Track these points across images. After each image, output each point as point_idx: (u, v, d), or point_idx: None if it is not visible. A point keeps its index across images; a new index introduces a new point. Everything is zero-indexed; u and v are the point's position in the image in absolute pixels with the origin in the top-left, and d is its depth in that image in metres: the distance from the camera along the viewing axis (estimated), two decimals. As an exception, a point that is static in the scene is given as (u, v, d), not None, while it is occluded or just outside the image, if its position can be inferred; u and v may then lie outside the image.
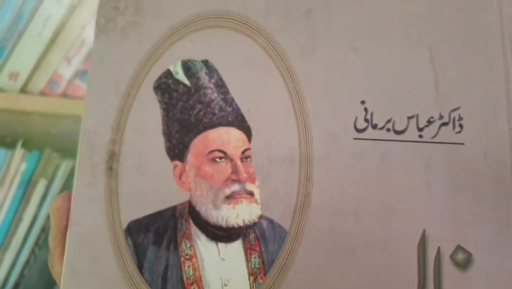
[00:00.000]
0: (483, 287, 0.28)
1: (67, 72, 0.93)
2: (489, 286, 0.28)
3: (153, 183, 0.33)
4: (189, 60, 0.34)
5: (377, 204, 0.30)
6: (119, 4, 0.36)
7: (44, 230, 0.90)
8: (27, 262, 0.90)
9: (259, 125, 0.32)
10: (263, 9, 0.34)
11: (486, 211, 0.28)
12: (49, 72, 0.93)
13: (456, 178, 0.29)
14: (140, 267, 0.33)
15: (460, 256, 0.28)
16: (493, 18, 0.31)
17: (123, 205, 0.33)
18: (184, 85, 0.34)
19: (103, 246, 0.33)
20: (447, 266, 0.28)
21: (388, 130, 0.30)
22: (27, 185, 0.91)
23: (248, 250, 0.32)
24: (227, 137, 0.33)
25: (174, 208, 0.33)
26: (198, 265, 0.32)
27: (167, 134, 0.34)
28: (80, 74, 0.93)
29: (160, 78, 0.35)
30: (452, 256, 0.28)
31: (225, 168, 0.32)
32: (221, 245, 0.32)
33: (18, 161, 0.92)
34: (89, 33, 0.92)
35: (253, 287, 0.31)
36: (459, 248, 0.28)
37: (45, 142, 0.94)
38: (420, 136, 0.30)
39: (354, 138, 0.31)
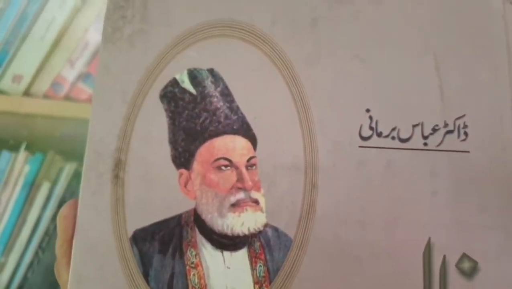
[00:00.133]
0: (489, 295, 0.28)
1: (70, 75, 0.93)
2: (495, 294, 0.28)
3: (159, 191, 0.33)
4: (195, 69, 0.35)
5: (382, 213, 0.30)
6: (126, 13, 0.36)
7: (48, 233, 0.90)
8: (30, 265, 0.90)
9: (264, 133, 0.33)
10: (269, 18, 0.34)
11: (492, 219, 0.28)
12: (53, 75, 0.93)
13: (461, 186, 0.29)
14: (146, 275, 0.33)
15: (466, 265, 0.28)
16: (499, 27, 0.31)
17: (129, 213, 0.34)
18: (190, 93, 0.34)
19: (109, 254, 0.33)
20: (453, 275, 0.28)
21: (393, 138, 0.31)
22: (31, 187, 0.91)
23: (253, 259, 0.32)
24: (233, 145, 0.33)
25: (179, 216, 0.33)
26: (204, 273, 0.32)
27: (173, 142, 0.34)
28: (83, 77, 0.93)
29: (166, 86, 0.35)
30: (457, 265, 0.28)
31: (230, 176, 0.33)
32: (226, 253, 0.32)
33: (22, 164, 0.92)
34: (92, 36, 0.92)
35: None
36: (465, 256, 0.28)
37: (48, 144, 0.94)
38: (425, 144, 0.30)
39: (359, 146, 0.31)
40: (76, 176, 0.92)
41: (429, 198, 0.29)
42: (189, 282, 0.32)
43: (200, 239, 0.33)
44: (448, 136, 0.30)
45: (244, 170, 0.32)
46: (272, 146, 0.32)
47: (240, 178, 0.32)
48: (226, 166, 0.33)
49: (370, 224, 0.30)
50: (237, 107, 0.33)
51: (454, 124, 0.30)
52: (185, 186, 0.33)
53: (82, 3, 0.91)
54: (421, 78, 0.31)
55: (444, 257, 0.29)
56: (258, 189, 0.32)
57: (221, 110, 0.33)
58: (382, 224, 0.30)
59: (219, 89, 0.34)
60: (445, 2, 0.31)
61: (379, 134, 0.31)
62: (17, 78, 0.93)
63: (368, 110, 0.31)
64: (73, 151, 0.93)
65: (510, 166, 0.29)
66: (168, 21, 0.36)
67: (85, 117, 0.91)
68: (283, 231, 0.31)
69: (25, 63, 0.92)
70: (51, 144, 0.94)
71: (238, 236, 0.32)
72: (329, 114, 0.32)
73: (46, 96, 0.93)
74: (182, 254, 0.33)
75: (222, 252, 0.33)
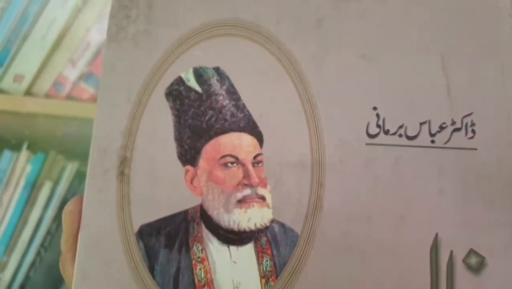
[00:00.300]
0: (496, 291, 0.28)
1: (72, 74, 0.93)
2: (503, 290, 0.28)
3: (165, 187, 0.33)
4: (200, 67, 0.35)
5: (389, 209, 0.30)
6: (130, 13, 0.36)
7: (50, 232, 0.90)
8: (32, 264, 0.90)
9: (270, 130, 0.33)
10: (275, 17, 0.34)
11: (500, 216, 0.29)
12: (54, 75, 0.93)
13: (468, 183, 0.29)
14: (151, 270, 0.33)
15: (473, 260, 0.28)
16: (505, 26, 0.31)
17: (135, 209, 0.34)
18: (196, 91, 0.34)
19: (115, 250, 0.33)
20: (460, 270, 0.28)
21: (400, 135, 0.31)
22: (32, 187, 0.91)
23: (259, 253, 0.32)
24: (239, 143, 0.33)
25: (185, 212, 0.33)
26: (210, 268, 0.32)
27: (179, 139, 0.34)
28: (85, 76, 0.93)
29: (171, 84, 0.35)
30: (465, 260, 0.28)
31: (236, 172, 0.33)
32: (232, 248, 0.33)
33: (23, 163, 0.92)
34: (94, 36, 0.92)
35: None
36: (472, 252, 0.28)
37: (50, 144, 0.94)
38: (432, 141, 0.30)
39: (366, 144, 0.31)
40: (78, 176, 0.92)
41: (437, 195, 0.30)
42: (195, 276, 0.32)
43: (206, 234, 0.33)
44: (455, 133, 0.30)
45: (250, 167, 0.32)
46: (278, 143, 0.32)
47: (247, 175, 0.32)
48: (232, 163, 0.33)
49: (377, 220, 0.30)
50: (243, 105, 0.33)
51: (462, 121, 0.30)
52: (191, 182, 0.33)
53: (83, 3, 0.91)
54: (428, 76, 0.31)
55: (451, 252, 0.29)
56: (264, 185, 0.32)
57: (227, 108, 0.34)
58: (389, 220, 0.30)
59: (224, 87, 0.34)
60: (452, 1, 0.32)
61: (386, 132, 0.31)
62: (18, 78, 0.93)
63: (375, 108, 0.31)
64: (75, 151, 0.93)
65: None
66: (173, 22, 0.36)
67: (86, 117, 0.92)
68: (290, 226, 0.31)
69: (26, 62, 0.92)
70: (52, 144, 0.94)
71: (244, 232, 0.32)
72: (335, 112, 0.32)
73: (47, 96, 0.93)
74: (188, 249, 0.33)
75: (228, 247, 0.33)
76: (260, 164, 0.32)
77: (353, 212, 0.30)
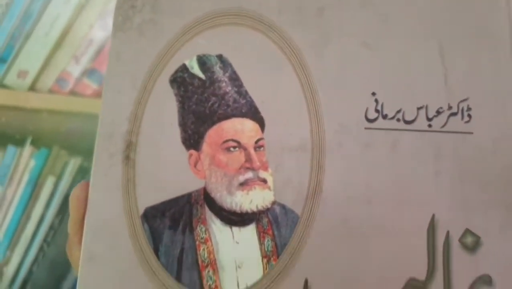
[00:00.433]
0: (491, 269, 0.29)
1: (75, 70, 0.94)
2: (497, 268, 0.29)
3: (169, 171, 0.34)
4: (204, 55, 0.36)
5: (387, 191, 0.31)
6: (136, 3, 0.37)
7: (53, 227, 0.91)
8: (35, 259, 0.91)
9: (272, 116, 0.33)
10: (276, 7, 0.35)
11: (495, 197, 0.29)
12: (58, 71, 0.94)
13: (464, 165, 0.30)
14: (156, 251, 0.34)
15: (469, 240, 0.29)
16: (502, 15, 0.31)
17: (140, 192, 0.34)
18: (199, 78, 0.35)
19: (120, 232, 0.34)
20: (456, 250, 0.29)
21: (398, 120, 0.31)
22: (36, 182, 0.92)
23: (261, 234, 0.33)
24: (241, 128, 0.34)
25: (189, 195, 0.34)
26: (213, 248, 0.33)
27: (183, 125, 0.35)
28: (88, 72, 0.94)
29: (176, 72, 0.36)
30: (461, 240, 0.29)
31: (239, 156, 0.34)
32: (235, 229, 0.33)
33: (27, 159, 0.93)
34: (97, 32, 0.93)
35: (266, 269, 0.32)
36: (467, 231, 0.29)
37: (53, 139, 0.94)
38: (430, 125, 0.31)
39: (365, 128, 0.32)
40: (81, 171, 0.93)
41: (433, 177, 0.30)
42: (198, 256, 0.33)
43: (209, 215, 0.34)
44: (452, 118, 0.31)
45: (252, 151, 0.33)
46: (279, 128, 0.33)
47: (249, 159, 0.33)
48: (234, 147, 0.34)
49: (375, 202, 0.31)
50: (246, 92, 0.34)
51: (458, 106, 0.31)
52: (195, 166, 0.34)
53: (86, 0, 0.92)
54: (426, 63, 0.32)
55: (448, 232, 0.29)
56: (265, 169, 0.33)
57: (229, 94, 0.34)
58: (388, 202, 0.31)
59: (227, 74, 0.35)
60: (450, -10, 0.32)
61: (385, 116, 0.32)
62: (22, 74, 0.93)
63: (374, 94, 0.32)
64: (78, 146, 0.94)
65: (510, 145, 0.30)
66: (178, 11, 0.36)
67: (90, 112, 0.92)
68: (290, 208, 0.32)
69: (30, 59, 0.93)
70: (56, 139, 0.94)
71: (246, 213, 0.33)
72: (335, 98, 0.33)
73: (51, 92, 0.94)
74: (192, 230, 0.34)
75: (231, 228, 0.33)
76: (262, 148, 0.33)
77: (352, 194, 0.31)
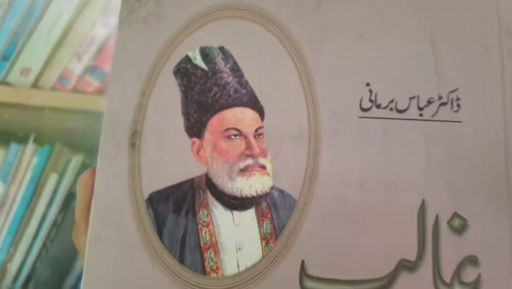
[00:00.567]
0: (477, 250, 0.30)
1: (77, 68, 0.94)
2: (482, 249, 0.30)
3: (173, 158, 0.36)
4: (206, 47, 0.37)
5: (380, 176, 0.32)
6: None
7: (56, 223, 0.91)
8: (39, 256, 0.91)
9: (271, 105, 0.35)
10: (275, 1, 0.36)
11: (480, 181, 0.31)
12: (60, 68, 0.94)
13: (453, 152, 0.31)
14: (160, 234, 0.35)
15: (457, 222, 0.30)
16: (491, 8, 0.33)
17: (145, 178, 0.36)
18: (202, 69, 0.37)
19: (126, 216, 0.36)
20: (445, 232, 0.31)
21: (391, 109, 0.33)
22: (39, 179, 0.92)
23: (260, 217, 0.34)
24: (242, 116, 0.35)
25: (192, 180, 0.35)
26: (214, 231, 0.35)
27: (186, 114, 0.36)
28: (90, 70, 0.94)
29: (179, 63, 0.37)
30: (449, 223, 0.31)
31: (239, 144, 0.35)
32: (235, 212, 0.35)
33: (30, 156, 0.93)
34: (99, 30, 0.93)
35: (265, 250, 0.33)
36: (455, 215, 0.31)
37: (56, 137, 0.95)
38: (421, 114, 0.32)
39: (360, 117, 0.33)
40: (83, 168, 0.93)
41: (424, 163, 0.32)
42: (200, 239, 0.35)
43: (211, 200, 0.35)
44: (442, 107, 0.32)
45: (252, 139, 0.35)
46: (278, 117, 0.34)
47: (249, 146, 0.35)
48: (235, 135, 0.35)
49: (368, 187, 0.32)
50: (246, 82, 0.36)
51: (448, 96, 0.32)
52: (198, 153, 0.36)
53: (88, -2, 0.93)
54: (418, 55, 0.33)
55: (437, 216, 0.31)
56: (265, 156, 0.34)
57: (231, 85, 0.36)
58: (380, 187, 0.32)
59: (229, 65, 0.36)
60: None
61: (378, 106, 0.33)
62: (25, 71, 0.94)
63: (368, 84, 0.33)
64: (80, 143, 0.94)
65: (497, 134, 0.31)
66: (182, 4, 0.38)
67: (92, 110, 0.93)
68: (288, 192, 0.33)
69: (33, 56, 0.93)
70: (58, 136, 0.95)
71: (246, 198, 0.34)
72: (332, 88, 0.34)
73: (53, 89, 0.94)
74: (194, 214, 0.35)
75: (231, 212, 0.35)
76: (261, 136, 0.35)
77: (346, 179, 0.32)
